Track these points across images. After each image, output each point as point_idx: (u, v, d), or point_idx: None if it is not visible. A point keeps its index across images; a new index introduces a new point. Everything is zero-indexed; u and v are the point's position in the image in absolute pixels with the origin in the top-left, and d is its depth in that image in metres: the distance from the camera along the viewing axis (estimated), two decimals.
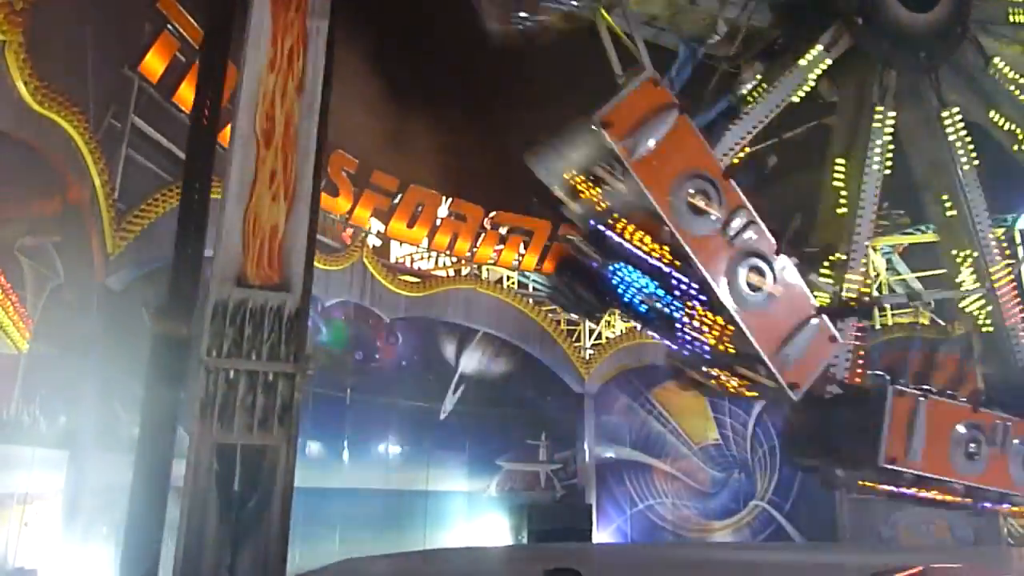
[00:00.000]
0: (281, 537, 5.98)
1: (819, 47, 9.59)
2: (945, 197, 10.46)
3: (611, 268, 8.74)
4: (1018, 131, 10.76)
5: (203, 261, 7.10)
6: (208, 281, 7.20)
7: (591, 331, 25.63)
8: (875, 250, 26.44)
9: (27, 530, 10.77)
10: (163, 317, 6.81)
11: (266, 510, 5.97)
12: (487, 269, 24.10)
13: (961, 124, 10.20)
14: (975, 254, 10.35)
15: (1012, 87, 10.49)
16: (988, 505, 9.93)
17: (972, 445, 9.29)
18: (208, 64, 7.60)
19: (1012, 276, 10.41)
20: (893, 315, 25.94)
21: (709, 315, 8.47)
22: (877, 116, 9.86)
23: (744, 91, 9.89)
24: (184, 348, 6.75)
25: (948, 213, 10.51)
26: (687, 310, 8.52)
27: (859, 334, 9.78)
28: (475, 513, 20.09)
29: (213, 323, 6.17)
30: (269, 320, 6.32)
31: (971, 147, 10.28)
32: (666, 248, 8.33)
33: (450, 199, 22.19)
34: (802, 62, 9.56)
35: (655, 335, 9.57)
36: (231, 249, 6.39)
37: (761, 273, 8.50)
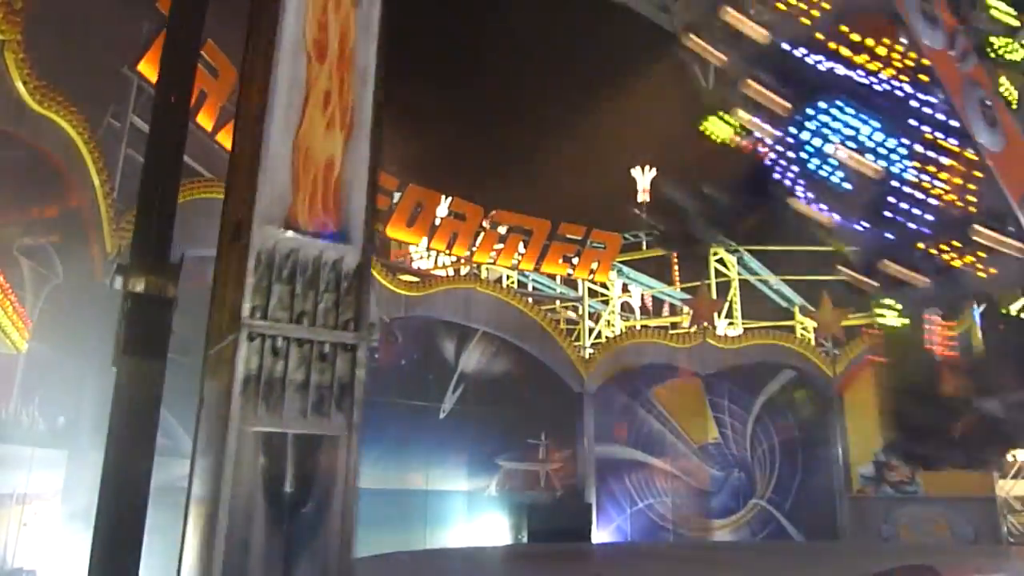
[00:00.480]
0: (345, 550, 4.89)
1: None
2: None
3: None
4: None
5: (177, 204, 6.20)
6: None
7: (591, 330, 25.66)
8: None
9: (26, 530, 10.77)
10: (141, 272, 5.59)
11: (325, 517, 4.86)
12: (486, 268, 24.12)
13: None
14: None
15: None
16: None
17: None
18: (179, 27, 6.59)
19: None
20: None
21: None
22: None
23: None
24: (167, 312, 5.70)
25: None
26: None
27: None
28: (475, 512, 20.10)
29: (256, 276, 4.92)
30: (324, 276, 5.17)
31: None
32: None
33: (449, 198, 22.20)
34: None
35: None
36: (277, 185, 5.14)
37: None
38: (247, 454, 4.71)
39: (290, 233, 5.11)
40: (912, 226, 7.79)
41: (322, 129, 5.34)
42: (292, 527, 4.78)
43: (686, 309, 24.78)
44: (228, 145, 16.85)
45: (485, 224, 22.51)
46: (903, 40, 7.37)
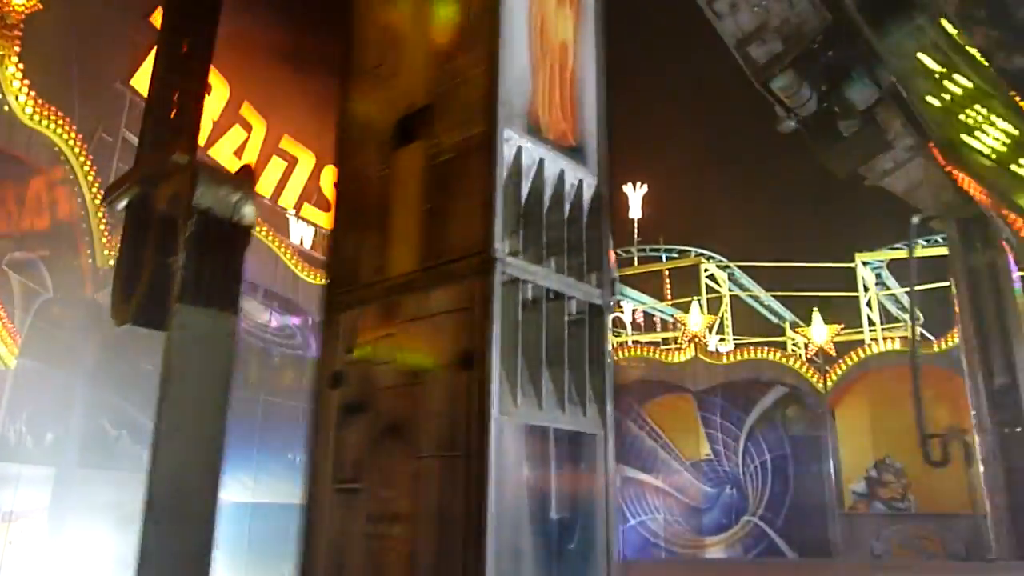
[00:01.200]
0: None
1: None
2: None
3: None
4: None
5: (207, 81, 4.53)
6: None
7: None
8: (864, 265, 26.69)
9: (11, 549, 10.63)
10: (210, 181, 3.79)
11: (592, 552, 3.29)
12: None
13: None
14: None
15: None
16: None
17: None
18: None
19: None
20: (883, 330, 26.14)
21: None
22: None
23: None
24: (243, 244, 3.97)
25: None
26: None
27: None
28: None
29: (503, 195, 3.26)
30: (564, 206, 3.55)
31: None
32: None
33: None
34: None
35: None
36: (518, 59, 3.52)
37: None
38: (511, 457, 3.05)
39: (534, 139, 3.48)
40: None
41: (553, 2, 3.86)
42: (560, 566, 3.19)
43: (678, 325, 24.83)
44: (222, 160, 16.85)
45: None
46: None
